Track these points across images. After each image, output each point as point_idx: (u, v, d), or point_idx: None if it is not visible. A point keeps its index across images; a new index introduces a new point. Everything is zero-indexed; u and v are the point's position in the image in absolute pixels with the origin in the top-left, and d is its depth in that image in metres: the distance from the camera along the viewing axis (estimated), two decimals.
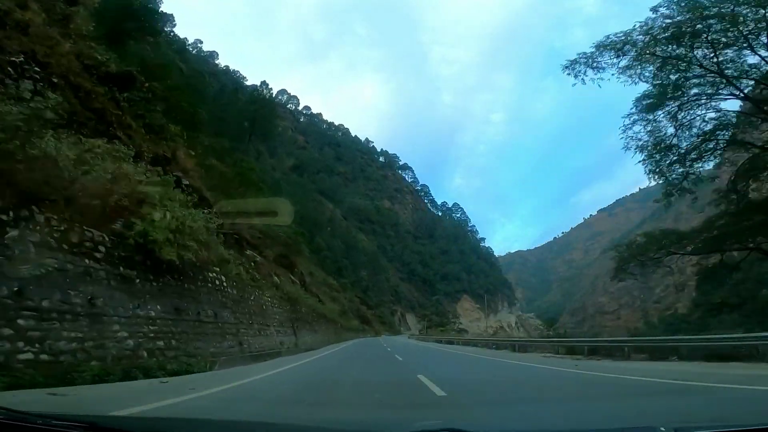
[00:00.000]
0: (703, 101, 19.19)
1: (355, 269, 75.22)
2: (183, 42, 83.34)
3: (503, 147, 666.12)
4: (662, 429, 1.73)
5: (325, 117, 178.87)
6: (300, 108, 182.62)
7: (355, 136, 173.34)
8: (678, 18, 16.84)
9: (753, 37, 16.48)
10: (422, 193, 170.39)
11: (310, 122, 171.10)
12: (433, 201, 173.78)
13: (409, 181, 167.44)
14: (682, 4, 16.71)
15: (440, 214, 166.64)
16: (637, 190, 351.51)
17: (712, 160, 22.10)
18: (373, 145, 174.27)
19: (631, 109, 19.79)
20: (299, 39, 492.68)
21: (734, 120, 20.41)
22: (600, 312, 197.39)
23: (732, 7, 15.86)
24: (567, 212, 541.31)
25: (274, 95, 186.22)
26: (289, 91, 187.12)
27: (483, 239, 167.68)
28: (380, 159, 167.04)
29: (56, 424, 1.70)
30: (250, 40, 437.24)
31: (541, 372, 10.23)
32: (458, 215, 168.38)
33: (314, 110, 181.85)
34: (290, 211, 17.21)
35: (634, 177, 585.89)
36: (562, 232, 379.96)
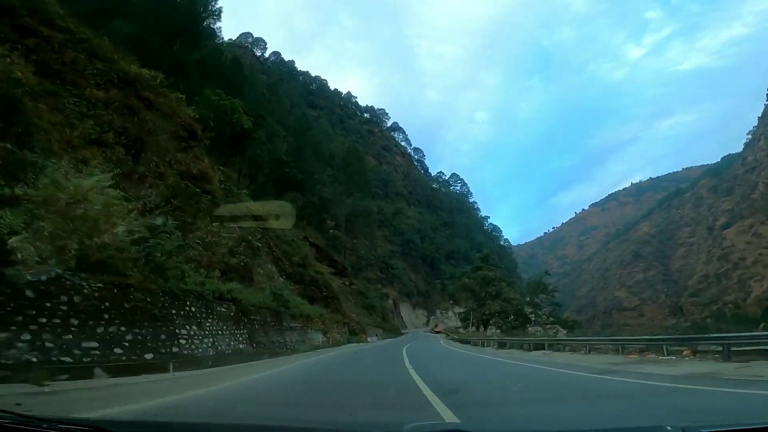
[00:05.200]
0: None
1: (310, 182, 41.64)
2: None
3: (487, 146, 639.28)
4: (669, 428, 1.66)
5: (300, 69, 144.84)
6: (267, 55, 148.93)
7: (335, 89, 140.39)
8: None
9: None
10: (416, 161, 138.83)
11: (278, 67, 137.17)
12: (427, 171, 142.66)
13: (401, 143, 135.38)
14: None
15: (437, 186, 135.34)
16: (629, 184, 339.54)
17: None
18: (357, 101, 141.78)
19: None
20: (282, 29, 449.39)
21: None
22: (617, 308, 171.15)
23: None
24: (546, 213, 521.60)
25: (235, 38, 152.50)
26: (254, 34, 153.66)
27: (488, 217, 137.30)
28: (365, 115, 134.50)
29: (61, 427, 1.66)
30: (230, 31, 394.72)
31: None
32: (458, 188, 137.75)
33: (285, 59, 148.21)
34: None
35: (613, 179, 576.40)
36: (553, 227, 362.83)
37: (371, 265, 58.93)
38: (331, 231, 44.10)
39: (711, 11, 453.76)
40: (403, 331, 55.20)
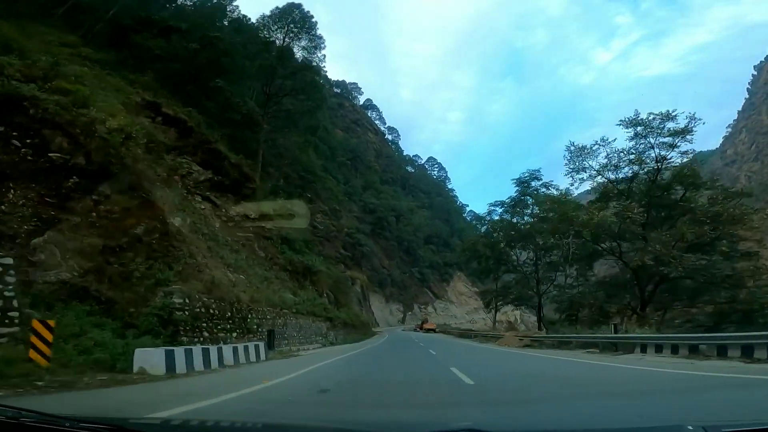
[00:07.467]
0: None
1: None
2: None
3: (459, 147, 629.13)
4: (690, 427, 1.56)
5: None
6: (226, 23, 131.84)
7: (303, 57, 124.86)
8: None
9: None
10: (391, 142, 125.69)
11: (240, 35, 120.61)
12: (402, 154, 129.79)
13: (375, 121, 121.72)
14: None
15: (412, 170, 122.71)
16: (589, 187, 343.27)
17: None
18: (326, 74, 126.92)
19: None
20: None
21: None
22: None
23: None
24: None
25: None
26: None
27: (467, 205, 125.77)
28: (335, 90, 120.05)
29: (84, 426, 1.68)
30: None
31: None
32: (435, 172, 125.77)
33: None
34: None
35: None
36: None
37: (333, 236, 45.39)
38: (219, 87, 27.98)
39: (678, 17, 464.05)
40: (375, 330, 42.00)
